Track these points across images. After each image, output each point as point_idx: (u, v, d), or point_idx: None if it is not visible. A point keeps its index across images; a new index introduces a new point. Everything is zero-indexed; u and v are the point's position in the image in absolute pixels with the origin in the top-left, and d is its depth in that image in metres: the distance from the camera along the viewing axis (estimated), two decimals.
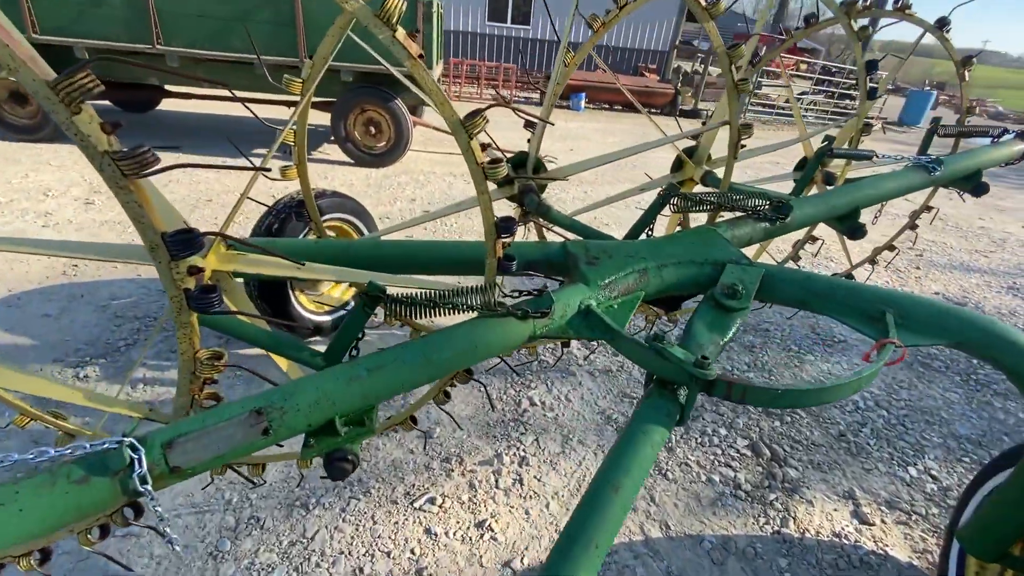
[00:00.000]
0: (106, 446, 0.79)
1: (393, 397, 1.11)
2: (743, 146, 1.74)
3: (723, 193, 1.58)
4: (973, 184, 2.17)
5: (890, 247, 3.03)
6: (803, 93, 15.49)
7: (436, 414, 2.33)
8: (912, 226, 2.98)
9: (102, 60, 0.98)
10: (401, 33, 1.01)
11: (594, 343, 2.95)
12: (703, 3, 1.47)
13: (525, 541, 1.80)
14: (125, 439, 0.80)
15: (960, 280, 4.49)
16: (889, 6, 2.41)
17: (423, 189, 5.44)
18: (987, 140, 2.45)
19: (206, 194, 4.68)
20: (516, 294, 1.31)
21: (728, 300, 1.27)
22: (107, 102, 6.84)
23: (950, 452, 2.42)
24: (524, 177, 1.76)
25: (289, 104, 6.34)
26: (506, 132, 8.68)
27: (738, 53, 1.49)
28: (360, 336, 1.20)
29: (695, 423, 2.42)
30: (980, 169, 2.15)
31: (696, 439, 2.32)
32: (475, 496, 1.95)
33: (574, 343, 2.91)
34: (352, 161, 5.81)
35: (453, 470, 2.05)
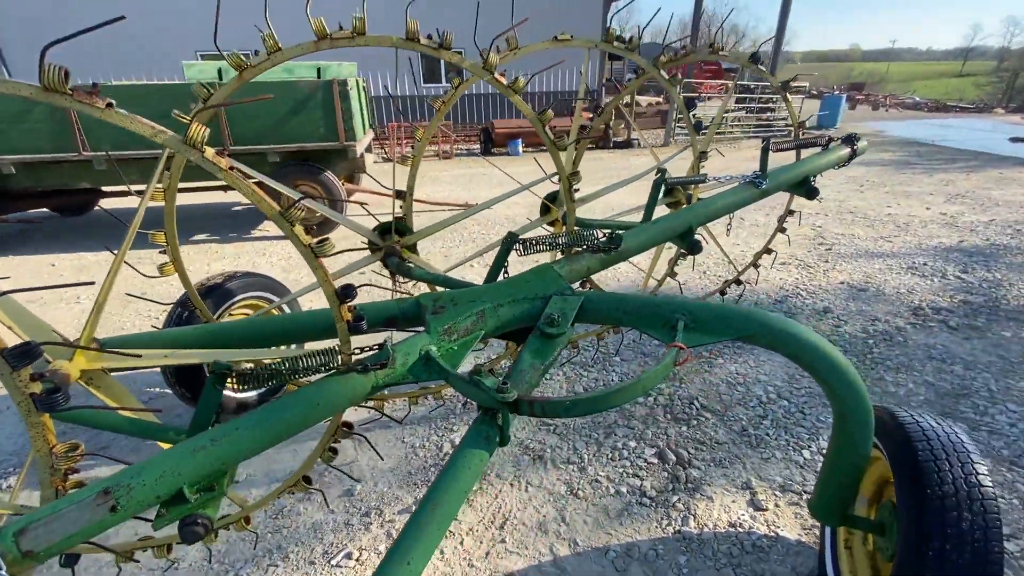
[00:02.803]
0: None
1: (242, 461, 1.24)
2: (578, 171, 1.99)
3: (557, 235, 1.80)
4: (805, 189, 2.47)
5: (767, 251, 3.32)
6: (728, 111, 16.55)
7: (359, 471, 2.43)
8: (781, 230, 3.29)
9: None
10: (210, 152, 1.20)
11: None
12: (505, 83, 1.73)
13: None
14: None
15: (864, 267, 4.85)
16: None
17: (360, 254, 5.63)
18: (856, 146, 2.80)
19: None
20: (359, 350, 1.47)
21: (548, 328, 1.46)
22: (44, 209, 6.93)
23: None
24: (384, 244, 1.96)
25: (220, 188, 6.53)
26: (447, 186, 9.06)
27: (546, 116, 1.75)
28: (218, 411, 1.34)
29: (608, 440, 2.57)
30: (808, 176, 2.45)
31: (608, 455, 2.47)
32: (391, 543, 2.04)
33: None
34: None
35: (372, 523, 2.14)
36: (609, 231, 1.89)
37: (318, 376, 1.35)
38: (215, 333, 1.56)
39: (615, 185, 2.75)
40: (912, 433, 1.45)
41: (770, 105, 16.41)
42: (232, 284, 2.63)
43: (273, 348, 1.62)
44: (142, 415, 1.41)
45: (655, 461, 2.42)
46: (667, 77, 2.43)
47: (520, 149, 12.17)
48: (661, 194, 2.87)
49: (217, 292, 2.57)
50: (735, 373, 3.14)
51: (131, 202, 7.76)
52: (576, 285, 1.82)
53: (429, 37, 1.58)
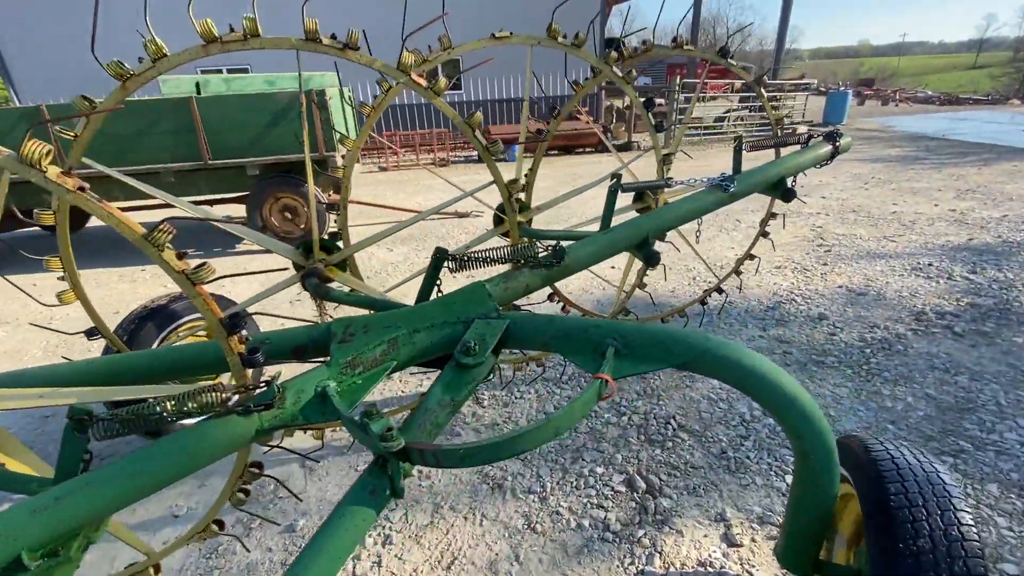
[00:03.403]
0: None
1: (100, 519, 1.09)
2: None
3: (492, 249, 1.64)
4: (780, 191, 2.28)
5: (750, 256, 3.12)
6: (730, 111, 16.30)
7: (305, 506, 2.27)
8: (763, 234, 3.08)
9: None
10: (53, 172, 1.06)
11: (484, 397, 2.94)
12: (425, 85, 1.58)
13: None
14: None
15: (865, 269, 4.60)
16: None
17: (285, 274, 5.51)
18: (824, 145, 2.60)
19: (116, 305, 4.69)
20: (264, 384, 1.31)
21: (464, 358, 1.29)
22: (37, 228, 6.94)
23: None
24: (308, 263, 1.82)
25: (203, 202, 6.47)
26: (439, 194, 8.93)
27: (474, 120, 1.60)
28: (87, 458, 1.19)
29: (574, 466, 2.39)
30: (783, 177, 2.26)
31: (572, 483, 2.28)
32: None
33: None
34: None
35: None
36: (554, 244, 1.72)
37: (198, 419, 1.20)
38: (107, 367, 1.42)
39: (570, 193, 2.58)
40: (885, 472, 1.25)
41: (773, 103, 16.11)
42: (177, 305, 2.50)
43: (164, 385, 1.48)
44: (11, 461, 1.27)
45: (623, 489, 2.23)
46: (621, 75, 2.26)
47: (517, 155, 12.01)
48: (633, 200, 2.71)
49: (160, 315, 2.45)
50: (718, 388, 2.93)
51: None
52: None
53: (333, 37, 1.44)
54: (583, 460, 2.42)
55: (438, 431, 1.20)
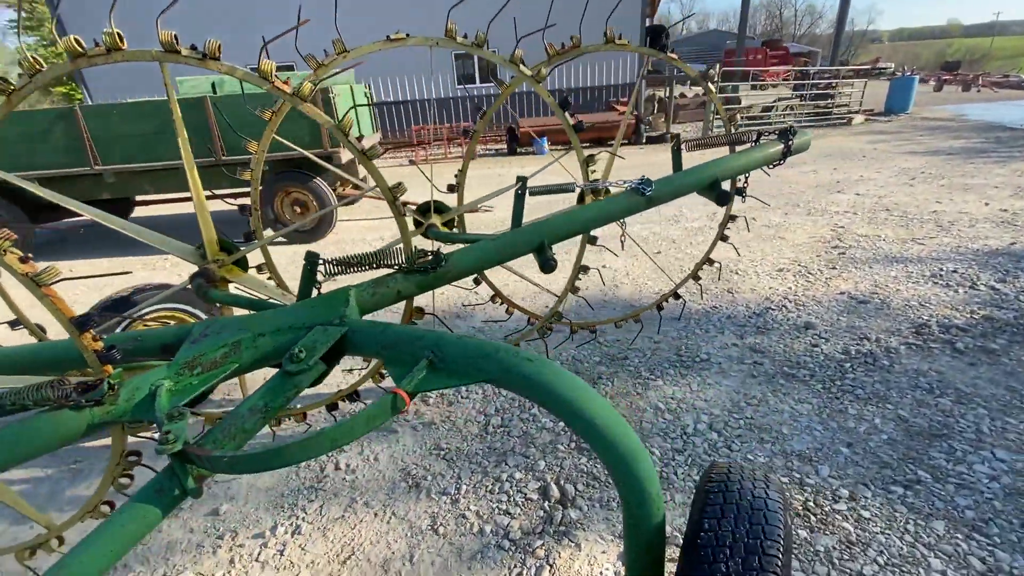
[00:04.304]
0: None
1: None
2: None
3: (363, 255, 1.63)
4: (715, 194, 2.13)
5: (709, 261, 2.95)
6: (779, 99, 15.40)
7: (236, 488, 2.39)
8: (722, 237, 2.90)
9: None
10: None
11: (447, 393, 2.97)
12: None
13: None
14: None
15: (877, 274, 4.25)
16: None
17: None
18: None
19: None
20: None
21: (288, 364, 1.31)
22: (85, 216, 7.57)
23: (770, 471, 2.26)
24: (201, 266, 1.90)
25: (217, 197, 6.82)
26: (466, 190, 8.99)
27: (347, 122, 1.60)
28: None
29: (496, 469, 2.37)
30: (717, 178, 2.11)
31: (488, 487, 2.27)
32: (231, 571, 1.97)
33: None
34: (285, 240, 6.17)
35: (221, 546, 2.09)
36: (435, 250, 1.70)
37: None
38: None
39: (483, 197, 2.51)
40: (708, 506, 1.17)
41: (828, 91, 15.05)
42: (138, 297, 2.67)
43: (28, 377, 1.59)
44: None
45: (535, 497, 2.20)
46: (530, 74, 2.18)
47: (546, 147, 11.92)
48: (577, 202, 2.62)
49: (121, 307, 2.63)
50: (670, 397, 2.81)
51: (163, 209, 8.34)
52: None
53: (193, 48, 1.48)
54: (506, 464, 2.40)
55: (246, 436, 1.23)
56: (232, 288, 2.07)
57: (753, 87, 17.20)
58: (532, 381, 1.16)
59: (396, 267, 1.66)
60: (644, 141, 12.48)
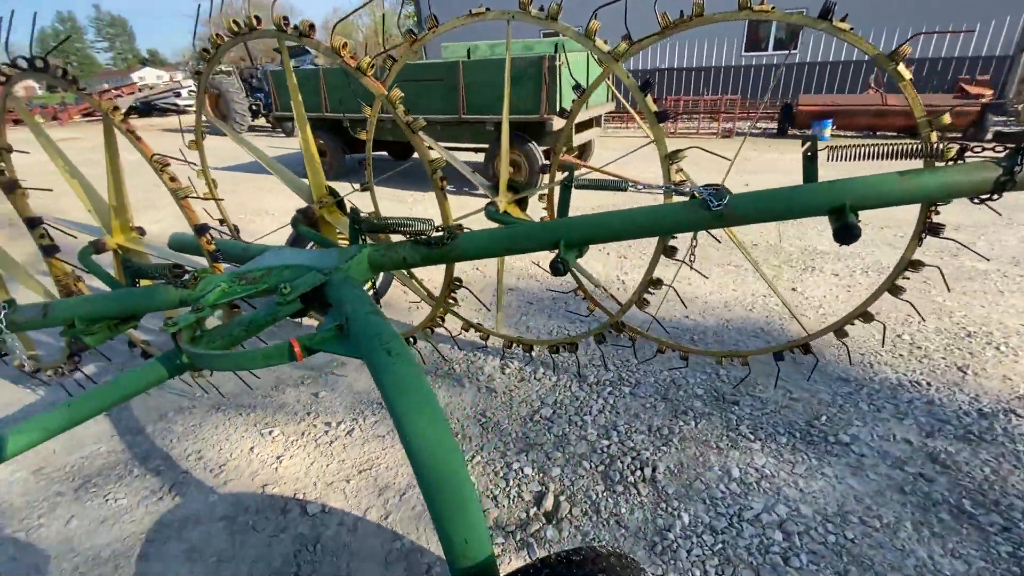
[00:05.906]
0: None
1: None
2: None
3: (397, 219, 1.77)
4: (838, 224, 1.50)
5: (864, 315, 2.08)
6: None
7: (340, 381, 3.00)
8: (893, 289, 1.98)
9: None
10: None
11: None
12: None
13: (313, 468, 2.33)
14: None
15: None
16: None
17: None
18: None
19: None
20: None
21: (277, 296, 1.62)
22: (384, 153, 9.79)
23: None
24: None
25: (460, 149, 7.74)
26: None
27: (394, 95, 1.74)
28: None
29: (514, 456, 2.37)
30: (843, 205, 1.48)
31: (496, 468, 2.30)
32: (298, 440, 2.56)
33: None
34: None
35: (305, 420, 2.70)
36: (453, 228, 1.76)
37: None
38: None
39: (542, 187, 2.25)
40: None
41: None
42: None
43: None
44: None
45: (527, 499, 2.14)
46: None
47: (828, 132, 9.72)
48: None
49: None
50: (754, 467, 2.25)
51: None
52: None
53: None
54: (525, 456, 2.37)
55: (231, 341, 1.60)
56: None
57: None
58: (377, 373, 1.18)
59: (411, 237, 1.78)
60: (988, 138, 8.92)
